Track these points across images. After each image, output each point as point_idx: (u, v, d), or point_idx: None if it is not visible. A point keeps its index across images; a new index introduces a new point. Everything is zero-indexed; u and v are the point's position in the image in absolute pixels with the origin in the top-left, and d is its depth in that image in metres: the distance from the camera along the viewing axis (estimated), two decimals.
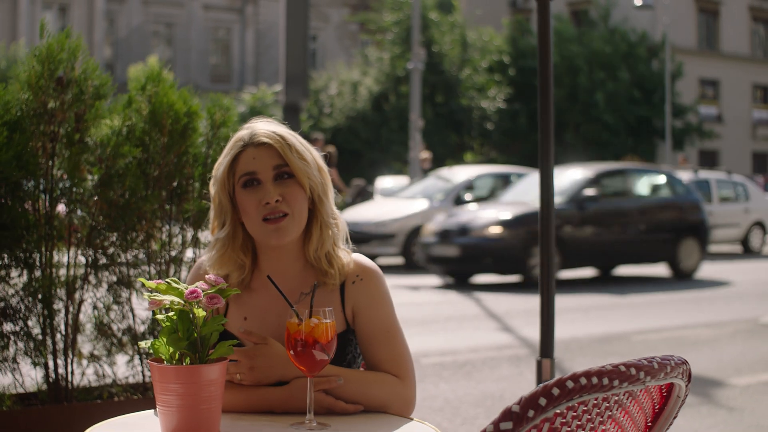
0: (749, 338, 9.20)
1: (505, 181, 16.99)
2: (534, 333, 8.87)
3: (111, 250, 3.57)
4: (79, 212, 3.47)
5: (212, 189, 2.29)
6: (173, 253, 3.74)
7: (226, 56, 46.70)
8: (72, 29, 3.50)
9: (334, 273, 2.27)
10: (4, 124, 3.22)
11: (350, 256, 2.32)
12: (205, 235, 3.84)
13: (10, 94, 3.29)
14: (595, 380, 1.53)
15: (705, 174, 20.62)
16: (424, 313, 10.40)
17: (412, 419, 2.20)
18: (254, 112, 31.71)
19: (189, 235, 3.77)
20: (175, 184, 3.66)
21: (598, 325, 9.74)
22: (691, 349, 8.49)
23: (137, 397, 3.61)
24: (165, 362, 1.96)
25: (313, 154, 2.29)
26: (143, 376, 3.71)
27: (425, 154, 20.41)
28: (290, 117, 11.79)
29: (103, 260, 3.57)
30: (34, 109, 3.33)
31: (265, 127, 2.27)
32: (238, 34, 46.19)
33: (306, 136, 2.35)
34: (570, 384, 1.51)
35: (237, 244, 2.27)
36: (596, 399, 1.60)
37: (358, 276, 2.30)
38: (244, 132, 2.26)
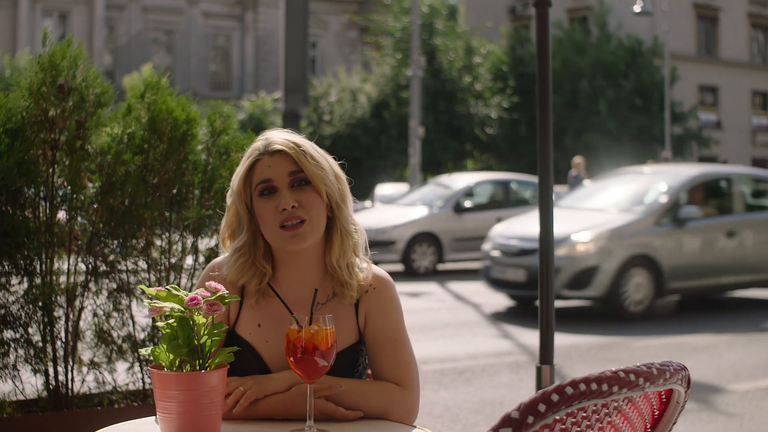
0: (748, 344, 9.20)
1: (504, 188, 16.96)
2: (534, 339, 8.86)
3: (111, 258, 3.57)
4: (79, 219, 3.47)
5: (229, 200, 2.30)
6: (173, 260, 3.74)
7: (226, 63, 46.71)
8: (72, 37, 3.51)
9: (353, 284, 2.28)
10: (6, 131, 3.22)
11: (370, 269, 2.33)
12: (204, 243, 3.84)
13: (12, 102, 3.29)
14: (594, 386, 1.53)
15: None
16: (423, 320, 10.38)
17: (414, 426, 2.19)
18: (254, 119, 31.74)
19: (189, 242, 3.77)
20: (174, 191, 3.66)
21: (598, 332, 9.72)
22: (690, 355, 8.48)
23: (137, 404, 3.61)
24: (165, 369, 1.97)
25: (330, 162, 2.29)
26: (143, 383, 3.71)
27: (578, 159, 19.21)
28: (290, 124, 11.78)
29: (103, 267, 3.57)
30: (35, 117, 3.33)
31: (280, 135, 2.28)
32: (237, 41, 46.22)
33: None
34: (569, 390, 1.51)
35: (259, 252, 2.28)
36: (595, 405, 1.60)
37: (371, 285, 2.32)
38: (259, 142, 2.28)
